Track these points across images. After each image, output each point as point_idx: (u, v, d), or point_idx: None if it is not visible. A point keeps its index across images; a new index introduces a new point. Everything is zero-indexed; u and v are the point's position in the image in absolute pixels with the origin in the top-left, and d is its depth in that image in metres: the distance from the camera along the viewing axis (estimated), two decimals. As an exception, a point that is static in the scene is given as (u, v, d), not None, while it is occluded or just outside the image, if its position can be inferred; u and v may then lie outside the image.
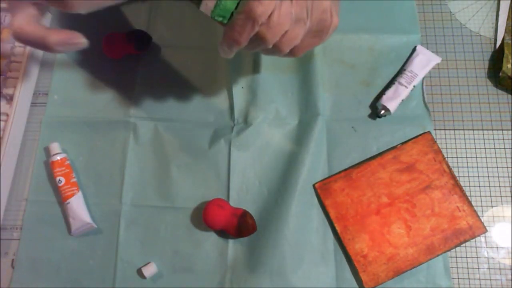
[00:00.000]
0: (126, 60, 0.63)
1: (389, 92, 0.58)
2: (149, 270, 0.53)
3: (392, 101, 0.58)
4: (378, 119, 0.59)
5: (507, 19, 0.62)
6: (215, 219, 0.52)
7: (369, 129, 0.59)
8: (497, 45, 0.62)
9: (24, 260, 0.55)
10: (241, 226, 0.52)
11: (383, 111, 0.58)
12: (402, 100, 0.58)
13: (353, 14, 0.63)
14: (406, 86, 0.58)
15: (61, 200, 0.56)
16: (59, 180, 0.56)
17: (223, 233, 0.55)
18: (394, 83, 0.59)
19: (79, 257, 0.55)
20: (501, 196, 0.56)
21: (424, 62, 0.60)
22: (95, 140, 0.60)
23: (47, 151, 0.59)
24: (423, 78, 0.60)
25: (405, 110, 0.59)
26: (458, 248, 0.54)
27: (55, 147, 0.58)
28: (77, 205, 0.55)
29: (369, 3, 0.64)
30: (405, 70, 0.60)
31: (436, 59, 0.60)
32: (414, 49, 0.62)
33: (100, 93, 0.62)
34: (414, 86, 0.58)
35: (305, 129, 0.58)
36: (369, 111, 0.60)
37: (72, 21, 0.65)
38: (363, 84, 0.61)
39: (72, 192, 0.56)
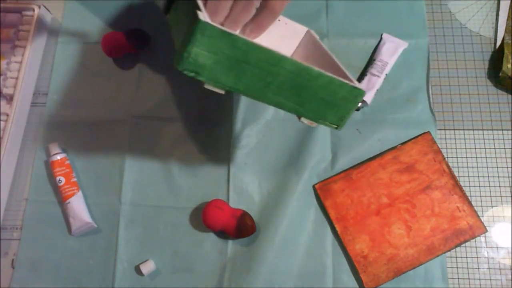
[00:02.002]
0: (126, 59, 0.63)
1: (363, 84, 0.58)
2: (147, 267, 0.53)
3: (367, 92, 0.57)
4: (378, 120, 0.59)
5: (507, 19, 0.62)
6: (214, 221, 0.52)
7: (374, 131, 0.59)
8: (497, 45, 0.62)
9: (24, 260, 0.55)
10: (240, 228, 0.52)
11: (360, 104, 0.57)
12: (377, 90, 0.58)
13: (360, 19, 0.63)
14: (378, 76, 0.58)
15: (61, 200, 0.56)
16: (59, 180, 0.56)
17: (223, 233, 0.55)
18: (366, 75, 0.59)
19: (79, 257, 0.55)
20: (501, 196, 0.56)
21: (392, 49, 0.60)
22: (95, 140, 0.60)
23: (47, 151, 0.59)
24: (429, 82, 0.59)
25: (411, 114, 0.59)
26: (458, 248, 0.54)
27: (55, 147, 0.58)
28: (77, 204, 0.55)
29: (377, 7, 0.64)
30: (374, 60, 0.60)
31: (403, 44, 0.60)
32: (380, 38, 0.62)
33: (100, 92, 0.62)
34: (386, 74, 0.59)
35: (307, 130, 0.58)
36: (374, 114, 0.59)
37: (73, 22, 0.66)
38: None
39: (72, 191, 0.56)
